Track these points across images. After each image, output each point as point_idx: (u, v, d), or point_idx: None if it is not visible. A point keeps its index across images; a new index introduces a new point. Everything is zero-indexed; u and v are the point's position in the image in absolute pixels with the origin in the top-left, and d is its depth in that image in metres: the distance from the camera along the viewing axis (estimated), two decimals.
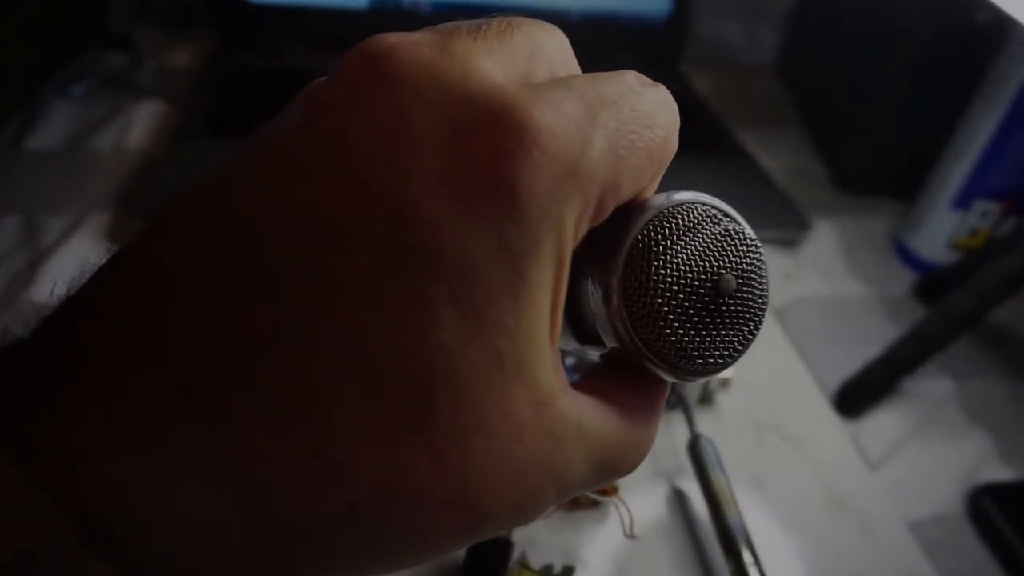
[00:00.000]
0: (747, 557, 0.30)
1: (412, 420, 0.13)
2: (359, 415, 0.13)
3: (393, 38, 0.15)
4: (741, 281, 0.18)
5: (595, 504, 0.33)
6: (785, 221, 0.54)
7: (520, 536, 0.31)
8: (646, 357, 0.18)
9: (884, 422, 0.41)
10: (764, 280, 0.18)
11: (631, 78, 0.17)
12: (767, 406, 0.40)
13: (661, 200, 0.18)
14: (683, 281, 0.17)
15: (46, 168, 0.52)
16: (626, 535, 0.32)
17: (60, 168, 0.52)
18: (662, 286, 0.17)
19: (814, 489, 0.36)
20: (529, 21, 0.17)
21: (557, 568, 0.30)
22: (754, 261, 0.18)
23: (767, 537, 0.33)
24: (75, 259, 0.45)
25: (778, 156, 0.64)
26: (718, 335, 0.18)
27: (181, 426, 0.12)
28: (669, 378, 0.18)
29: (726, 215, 0.18)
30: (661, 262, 0.17)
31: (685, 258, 0.17)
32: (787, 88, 0.78)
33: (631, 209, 0.18)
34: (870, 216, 0.59)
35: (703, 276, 0.17)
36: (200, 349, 0.13)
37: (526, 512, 0.15)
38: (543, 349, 0.15)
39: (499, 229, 0.13)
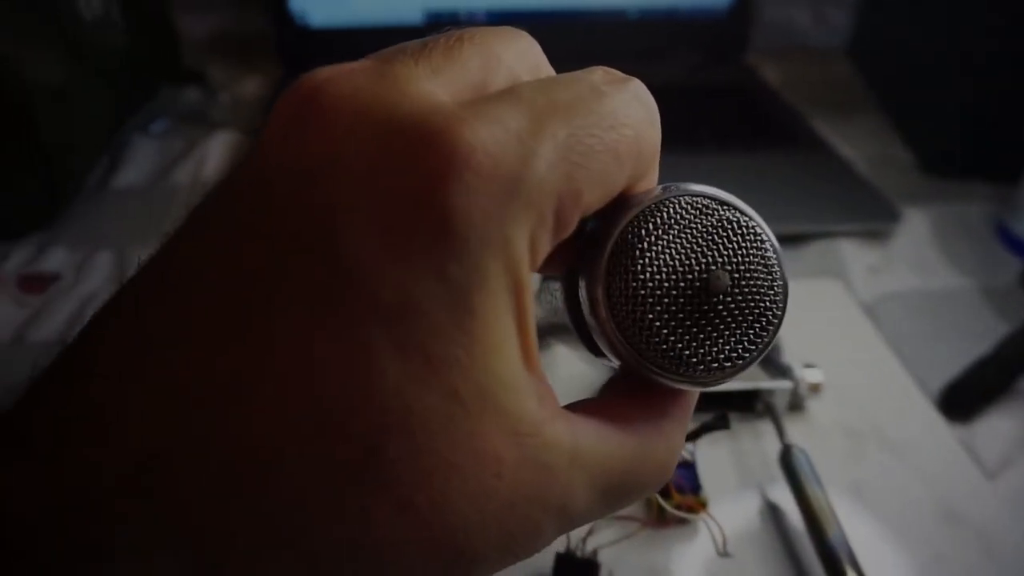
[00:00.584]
0: (852, 574, 0.28)
1: (364, 470, 0.13)
2: (306, 472, 0.12)
3: (327, 71, 0.15)
4: (738, 276, 0.16)
5: (683, 521, 0.32)
6: (871, 212, 0.51)
7: (605, 557, 0.30)
8: (644, 368, 0.16)
9: (999, 426, 0.38)
10: (772, 271, 0.16)
11: (597, 76, 0.16)
12: (864, 411, 0.38)
13: (647, 196, 0.17)
14: (667, 284, 0.16)
15: (132, 204, 0.55)
16: (719, 553, 0.31)
17: (144, 203, 0.55)
18: (643, 292, 0.16)
19: (923, 500, 0.34)
20: (485, 30, 0.16)
21: None
22: (755, 251, 0.16)
23: (871, 553, 0.30)
24: None
25: (857, 143, 0.61)
26: (720, 337, 0.16)
27: (126, 510, 0.12)
28: (679, 386, 0.17)
29: (723, 204, 0.17)
30: (640, 266, 0.16)
31: (668, 258, 0.16)
32: (862, 71, 0.74)
33: (617, 208, 0.16)
34: (964, 201, 0.55)
35: (691, 276, 0.16)
36: (144, 418, 0.12)
37: (523, 547, 0.14)
38: (514, 378, 0.14)
39: (436, 263, 0.13)
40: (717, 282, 0.16)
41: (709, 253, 0.16)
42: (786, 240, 0.50)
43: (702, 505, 0.32)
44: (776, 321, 0.16)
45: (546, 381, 0.15)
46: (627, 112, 0.15)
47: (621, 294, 0.16)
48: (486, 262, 0.13)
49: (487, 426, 0.13)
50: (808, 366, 0.37)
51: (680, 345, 0.16)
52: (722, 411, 0.32)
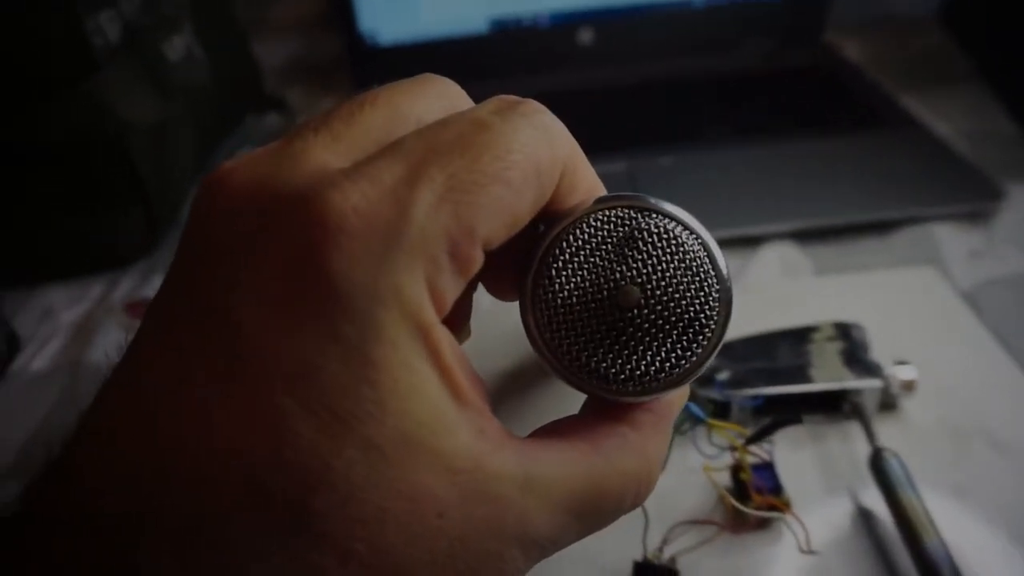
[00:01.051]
0: None
1: (298, 527, 0.13)
2: (248, 536, 0.13)
3: (229, 163, 0.16)
4: (651, 287, 0.16)
5: (765, 524, 0.31)
6: (969, 192, 0.47)
7: (685, 563, 0.29)
8: (583, 387, 0.16)
9: None
10: (701, 276, 0.16)
11: (485, 109, 0.16)
12: (967, 408, 0.35)
13: (569, 216, 0.17)
14: (579, 306, 0.16)
15: None
16: (802, 550, 0.29)
17: None
18: (557, 317, 0.16)
19: None
20: (392, 87, 0.17)
21: None
22: (675, 259, 0.16)
23: (975, 561, 0.28)
24: None
25: (954, 119, 0.57)
26: (644, 350, 0.16)
27: None
28: (624, 400, 0.17)
29: (643, 211, 0.16)
30: (551, 293, 0.16)
31: (579, 279, 0.16)
32: (957, 39, 0.69)
33: (543, 231, 0.17)
34: None
35: (600, 294, 0.16)
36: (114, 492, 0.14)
37: None
38: (438, 418, 0.14)
39: (328, 325, 0.14)
40: (627, 297, 0.16)
41: (618, 268, 0.16)
42: (873, 229, 0.47)
43: (785, 505, 0.30)
44: (712, 326, 0.16)
45: (487, 413, 0.15)
46: (513, 138, 0.16)
47: (542, 320, 0.16)
48: (378, 315, 0.14)
49: (415, 469, 0.14)
50: (900, 363, 0.35)
51: (603, 363, 0.16)
52: (795, 408, 0.30)
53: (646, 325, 0.16)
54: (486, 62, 0.68)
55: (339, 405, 0.14)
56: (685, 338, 0.16)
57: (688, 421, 0.32)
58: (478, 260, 0.15)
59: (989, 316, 0.40)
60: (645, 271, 0.16)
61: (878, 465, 0.31)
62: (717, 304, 0.16)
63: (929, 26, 0.72)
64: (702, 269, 0.16)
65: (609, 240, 0.16)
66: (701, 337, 0.16)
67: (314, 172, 0.15)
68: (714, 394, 0.33)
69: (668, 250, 0.16)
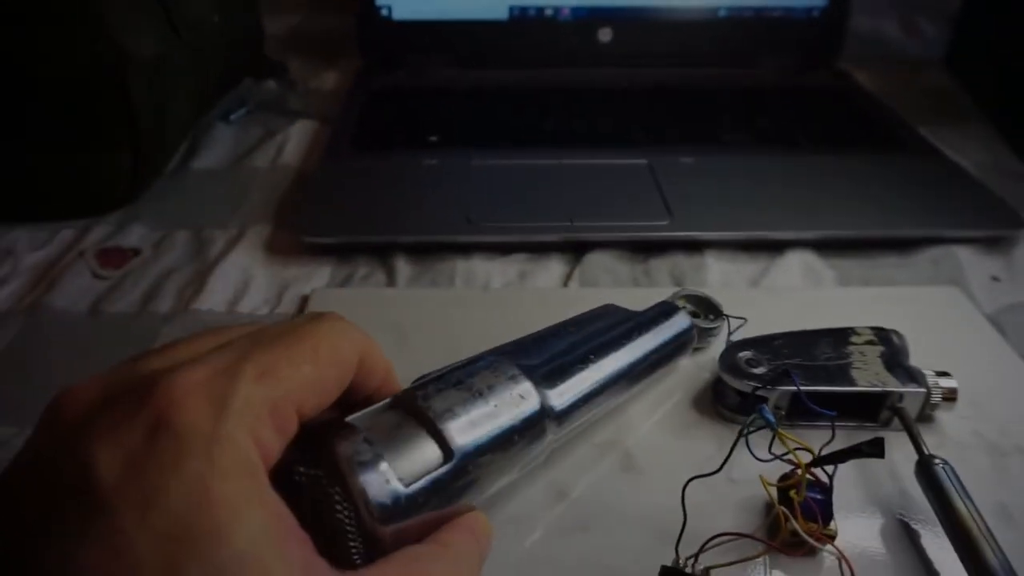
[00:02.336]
0: None
1: None
2: None
3: (67, 387, 0.20)
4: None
5: (809, 550, 0.28)
6: (991, 217, 0.47)
7: None
8: None
9: None
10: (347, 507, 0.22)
11: (299, 318, 0.22)
12: (1003, 425, 0.34)
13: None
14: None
15: (211, 186, 0.54)
16: None
17: (223, 185, 0.54)
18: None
19: None
20: (229, 329, 0.22)
21: None
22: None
23: None
24: (237, 270, 0.45)
25: (965, 152, 0.57)
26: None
27: None
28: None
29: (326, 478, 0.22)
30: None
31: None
32: (963, 82, 0.70)
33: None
34: None
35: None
36: None
37: None
38: (267, 544, 0.17)
39: (174, 462, 0.17)
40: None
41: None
42: (895, 246, 0.46)
43: (830, 537, 0.28)
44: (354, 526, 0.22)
45: (309, 547, 0.19)
46: (319, 333, 0.21)
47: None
48: (216, 454, 0.17)
49: None
50: (941, 373, 0.33)
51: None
52: (878, 438, 0.28)
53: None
54: (503, 50, 0.66)
55: (181, 528, 0.16)
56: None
57: (754, 424, 0.29)
58: (293, 422, 0.20)
59: (1012, 339, 0.40)
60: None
61: (928, 473, 0.29)
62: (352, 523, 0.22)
63: (934, 68, 0.73)
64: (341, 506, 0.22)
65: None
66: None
67: (159, 367, 0.19)
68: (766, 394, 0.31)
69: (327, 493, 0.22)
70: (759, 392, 0.32)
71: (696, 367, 0.37)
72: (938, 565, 0.28)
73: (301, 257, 0.46)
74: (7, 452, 0.33)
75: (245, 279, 0.44)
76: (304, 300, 0.42)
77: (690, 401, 0.35)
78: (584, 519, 0.30)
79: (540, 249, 0.46)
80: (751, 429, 0.29)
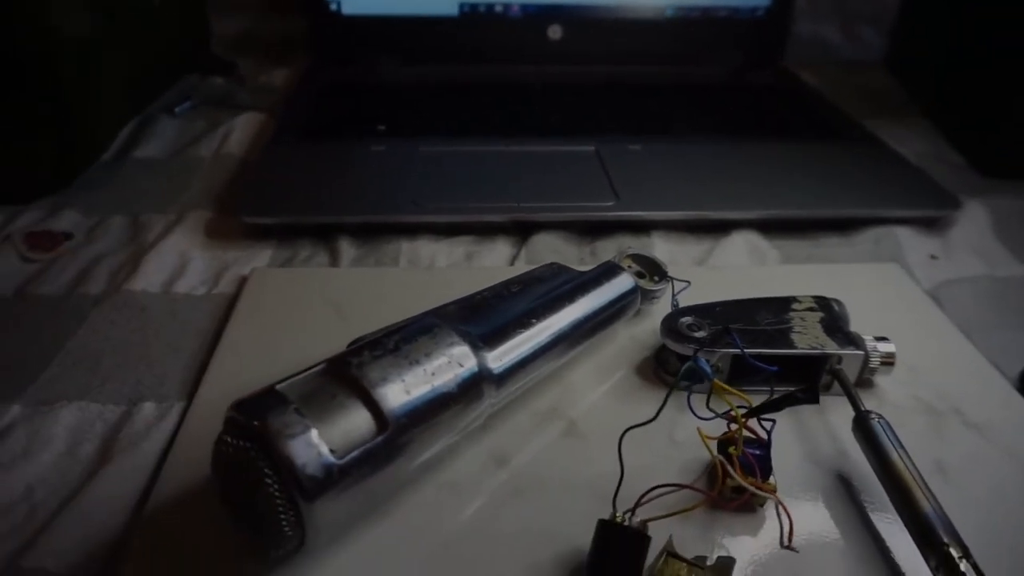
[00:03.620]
0: (956, 551, 0.24)
1: None
2: None
3: None
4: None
5: (746, 506, 0.28)
6: (929, 199, 0.48)
7: (655, 530, 0.26)
8: None
9: None
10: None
11: None
12: (940, 390, 0.34)
13: None
14: None
15: (151, 174, 0.53)
16: (783, 545, 0.27)
17: (163, 174, 0.53)
18: None
19: (1012, 477, 0.30)
20: None
21: (712, 559, 0.25)
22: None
23: (965, 531, 0.26)
24: (174, 253, 0.44)
25: (904, 142, 0.58)
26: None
27: None
28: None
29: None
30: None
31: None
32: (899, 81, 0.72)
33: None
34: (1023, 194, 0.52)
35: None
36: None
37: None
38: None
39: None
40: None
41: None
42: (837, 226, 0.47)
43: (772, 489, 0.28)
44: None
45: None
46: None
47: None
48: None
49: None
50: (880, 338, 0.34)
51: None
52: (811, 385, 0.28)
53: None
54: (453, 45, 0.66)
55: None
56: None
57: (691, 379, 0.29)
58: None
59: (950, 311, 0.40)
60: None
61: (864, 427, 0.29)
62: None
63: (873, 69, 0.76)
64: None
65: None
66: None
67: None
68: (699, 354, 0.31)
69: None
70: (699, 353, 0.32)
71: (640, 335, 0.37)
72: (875, 517, 0.28)
73: (241, 240, 0.45)
74: None
75: (182, 261, 0.43)
76: (243, 280, 0.41)
77: (633, 369, 0.35)
78: (524, 485, 0.29)
79: (486, 231, 0.46)
80: (687, 382, 0.28)
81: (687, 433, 0.31)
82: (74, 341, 0.37)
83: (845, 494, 0.29)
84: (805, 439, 0.32)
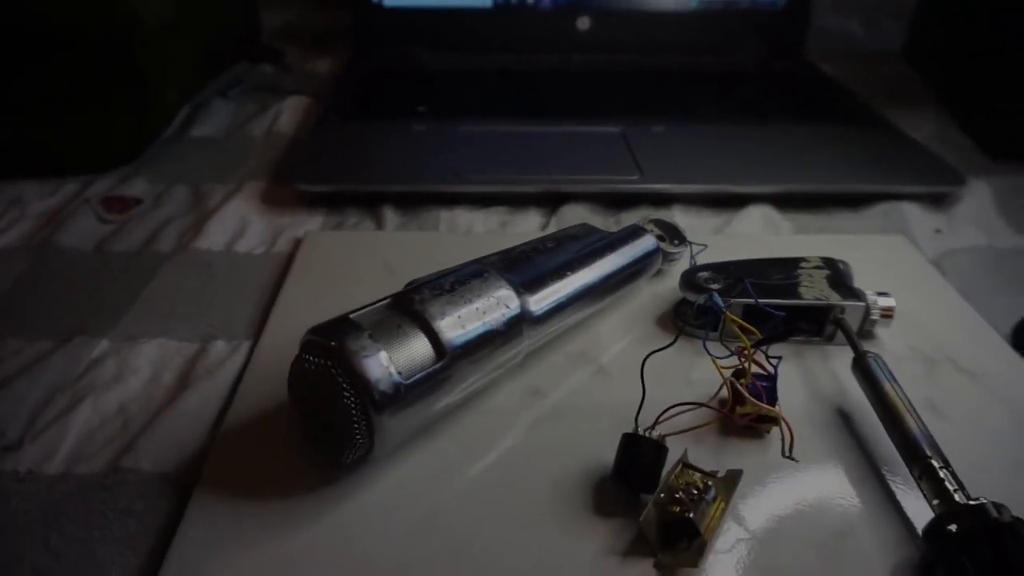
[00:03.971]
0: (937, 462, 0.27)
1: None
2: None
3: None
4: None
5: (755, 430, 0.31)
6: (935, 176, 0.51)
7: (671, 445, 0.29)
8: None
9: None
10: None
11: None
12: (936, 342, 0.37)
13: None
14: None
15: (208, 150, 0.57)
16: (784, 455, 0.30)
17: (220, 150, 0.57)
18: None
19: (1002, 416, 0.33)
20: None
21: (721, 473, 0.29)
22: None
23: (952, 459, 0.30)
24: (236, 216, 0.48)
25: (917, 127, 0.61)
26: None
27: None
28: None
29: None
30: None
31: None
32: (916, 71, 0.75)
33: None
34: None
35: None
36: None
37: None
38: None
39: None
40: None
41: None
42: (848, 201, 0.50)
43: (773, 408, 0.31)
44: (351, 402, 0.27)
45: None
46: None
47: None
48: None
49: None
50: (881, 293, 0.37)
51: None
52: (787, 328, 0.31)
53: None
54: (487, 36, 0.70)
55: None
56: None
57: (706, 314, 0.32)
58: None
59: (951, 278, 0.43)
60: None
61: (862, 364, 0.32)
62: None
63: (892, 59, 0.78)
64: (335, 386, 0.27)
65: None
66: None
67: None
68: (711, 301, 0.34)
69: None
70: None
71: (661, 292, 0.40)
72: (870, 444, 0.31)
73: (294, 208, 0.49)
74: (18, 359, 0.35)
75: (242, 225, 0.47)
76: (297, 242, 0.45)
77: (655, 321, 0.38)
78: (557, 412, 0.33)
79: (519, 201, 0.49)
80: (702, 318, 0.32)
81: (702, 374, 0.34)
82: (149, 290, 0.41)
83: (843, 425, 0.32)
84: (810, 381, 0.35)
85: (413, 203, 0.49)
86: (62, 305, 0.40)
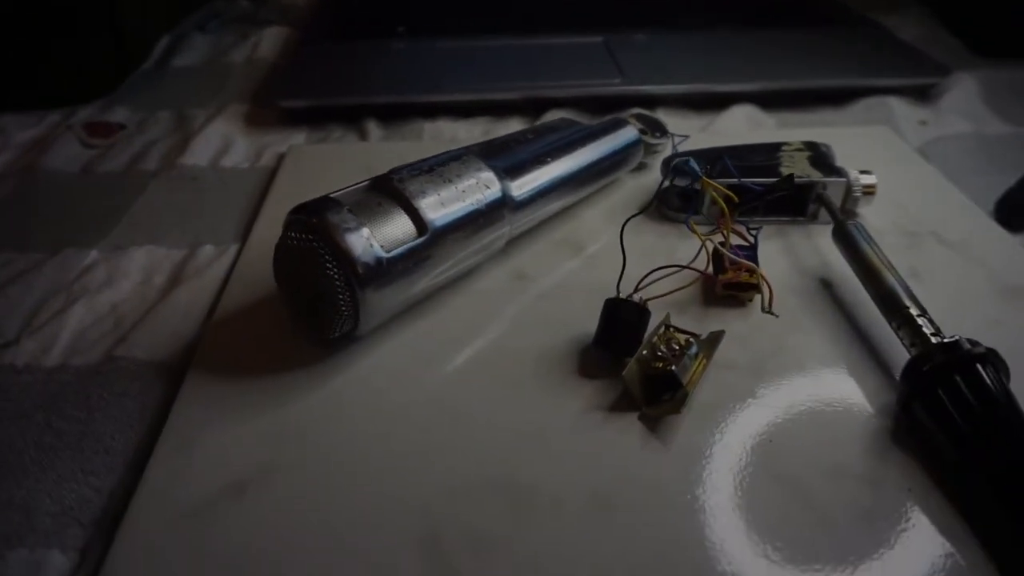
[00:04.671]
0: (915, 310, 0.28)
1: None
2: None
3: None
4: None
5: (736, 298, 0.32)
6: (919, 68, 0.51)
7: (659, 318, 0.30)
8: None
9: None
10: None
11: None
12: (919, 218, 0.38)
13: None
14: None
15: (190, 78, 0.57)
16: (764, 310, 0.30)
17: (202, 77, 0.57)
18: None
19: (981, 279, 0.33)
20: None
21: (704, 336, 0.29)
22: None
23: (935, 318, 0.30)
24: (218, 136, 0.48)
25: (904, 29, 0.61)
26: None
27: None
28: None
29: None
30: None
31: None
32: None
33: None
34: (1016, 67, 0.54)
35: None
36: None
37: None
38: None
39: None
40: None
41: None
42: (832, 98, 0.50)
43: (753, 273, 0.31)
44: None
45: None
46: None
47: None
48: None
49: None
50: (863, 171, 0.37)
51: None
52: (789, 175, 0.31)
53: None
54: None
55: None
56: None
57: (678, 173, 0.33)
58: None
59: (936, 163, 0.43)
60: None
61: (843, 231, 0.32)
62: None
63: None
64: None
65: None
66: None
67: None
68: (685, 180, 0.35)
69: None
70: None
71: (645, 183, 0.40)
72: (852, 308, 0.32)
73: (277, 126, 0.49)
74: (10, 269, 0.36)
75: (226, 143, 0.47)
76: (281, 156, 0.45)
77: (638, 210, 0.39)
78: (541, 291, 0.33)
79: (502, 110, 0.49)
80: (677, 178, 0.32)
81: (686, 255, 0.34)
82: (137, 205, 0.41)
83: (826, 293, 0.33)
84: (793, 256, 0.35)
85: (396, 115, 0.49)
86: (50, 222, 0.40)
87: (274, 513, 0.24)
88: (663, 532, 0.23)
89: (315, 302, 0.28)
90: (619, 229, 0.31)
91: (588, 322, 0.30)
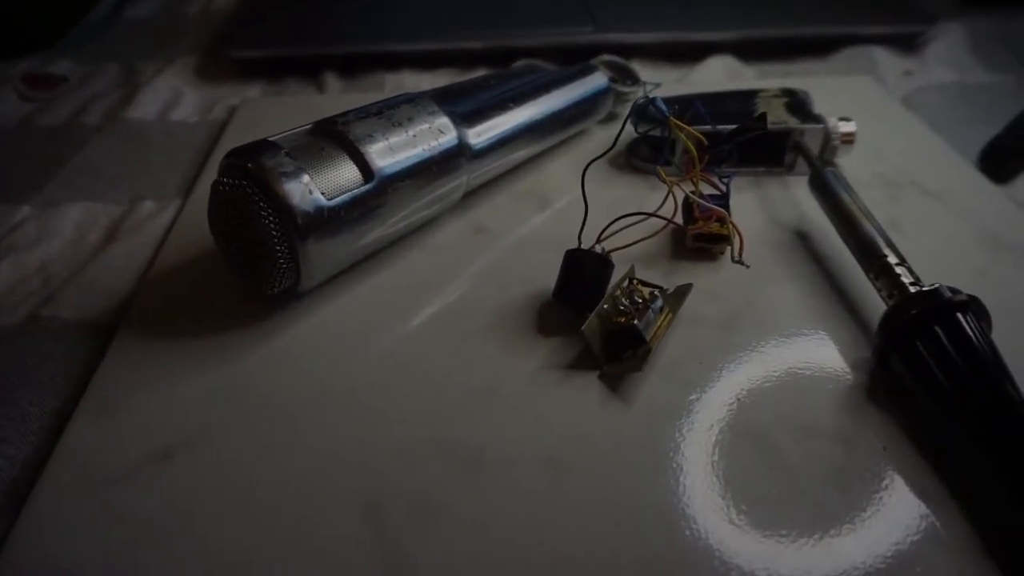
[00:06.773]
0: (892, 259, 0.26)
1: None
2: None
3: None
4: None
5: (707, 252, 0.30)
6: (904, 16, 0.49)
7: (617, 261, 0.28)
8: None
9: None
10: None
11: None
12: (900, 167, 0.36)
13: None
14: None
15: (140, 30, 0.54)
16: (734, 260, 0.29)
17: (152, 28, 0.54)
18: None
19: (964, 230, 0.32)
20: None
21: (671, 289, 0.28)
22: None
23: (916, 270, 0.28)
24: (168, 88, 0.45)
25: None
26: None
27: None
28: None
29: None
30: None
31: None
32: None
33: None
34: (1002, 18, 0.52)
35: None
36: None
37: None
38: None
39: None
40: None
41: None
42: (813, 48, 0.48)
43: (724, 223, 0.29)
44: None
45: None
46: None
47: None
48: None
49: None
50: (842, 119, 0.35)
51: None
52: (761, 114, 0.29)
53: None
54: None
55: None
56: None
57: (643, 117, 0.30)
58: None
59: (920, 112, 0.41)
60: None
61: (819, 179, 0.31)
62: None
63: None
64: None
65: None
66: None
67: None
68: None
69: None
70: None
71: (615, 134, 0.38)
72: (827, 261, 0.30)
73: (230, 79, 0.46)
74: None
75: (175, 96, 0.45)
76: (233, 110, 0.43)
77: (607, 160, 0.37)
78: (499, 245, 0.31)
79: (468, 61, 0.47)
80: (637, 120, 0.30)
81: (655, 207, 0.32)
82: (77, 159, 0.39)
83: (801, 245, 0.31)
84: (768, 207, 0.33)
85: (356, 67, 0.46)
86: None
87: (204, 478, 0.22)
88: (623, 497, 0.21)
89: (252, 255, 0.25)
90: (586, 178, 0.29)
91: (550, 278, 0.28)
